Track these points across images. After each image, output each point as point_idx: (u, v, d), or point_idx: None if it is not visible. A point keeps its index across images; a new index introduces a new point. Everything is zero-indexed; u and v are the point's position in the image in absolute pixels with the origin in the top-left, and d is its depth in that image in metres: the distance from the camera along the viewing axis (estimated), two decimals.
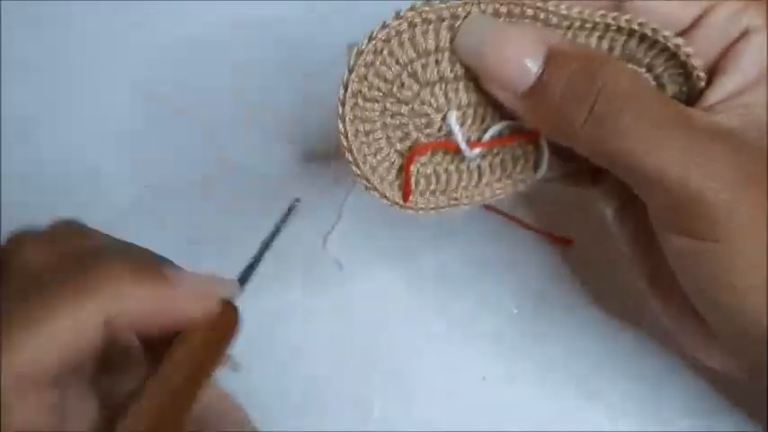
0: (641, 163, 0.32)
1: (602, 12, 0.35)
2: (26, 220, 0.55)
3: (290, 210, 0.38)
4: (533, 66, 0.33)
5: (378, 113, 0.36)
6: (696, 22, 0.35)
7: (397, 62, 0.35)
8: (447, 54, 0.35)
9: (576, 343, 0.51)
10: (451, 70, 0.36)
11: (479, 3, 0.35)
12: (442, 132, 0.37)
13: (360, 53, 0.35)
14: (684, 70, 0.36)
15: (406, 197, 0.38)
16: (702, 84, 0.36)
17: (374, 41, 0.35)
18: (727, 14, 0.35)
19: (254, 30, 0.56)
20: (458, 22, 0.35)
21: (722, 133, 0.34)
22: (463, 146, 0.36)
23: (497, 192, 0.38)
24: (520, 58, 0.33)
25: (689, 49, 0.35)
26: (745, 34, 0.35)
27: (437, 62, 0.35)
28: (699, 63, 0.36)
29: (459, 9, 0.35)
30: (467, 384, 0.51)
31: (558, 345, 0.51)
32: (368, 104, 0.36)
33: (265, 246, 0.36)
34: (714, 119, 0.35)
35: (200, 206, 0.52)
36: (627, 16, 0.35)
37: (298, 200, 0.38)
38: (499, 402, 0.50)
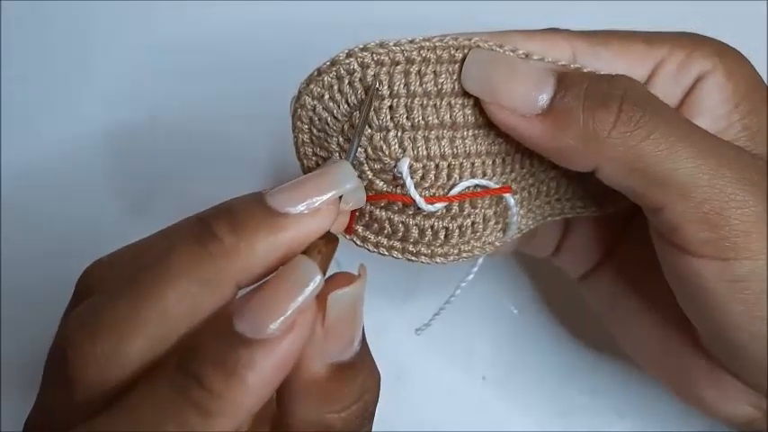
0: (674, 168, 0.32)
1: (562, 63, 0.35)
2: (26, 220, 0.55)
3: (371, 92, 0.33)
4: (547, 88, 0.33)
5: (334, 145, 0.35)
6: (648, 81, 0.37)
7: (347, 101, 0.34)
8: (403, 100, 0.34)
9: (575, 343, 0.51)
10: (408, 118, 0.34)
11: (435, 48, 0.34)
12: (400, 181, 0.34)
13: (308, 82, 0.34)
14: None
15: (347, 231, 0.36)
16: None
17: (322, 75, 0.34)
18: (674, 68, 0.36)
19: (254, 31, 0.56)
20: (413, 67, 0.34)
21: (738, 147, 0.35)
22: (416, 197, 0.34)
23: (464, 255, 0.36)
24: (533, 82, 0.33)
25: None
26: (699, 79, 0.36)
27: (391, 108, 0.34)
28: None
29: (414, 53, 0.34)
30: (467, 384, 0.51)
31: (557, 345, 0.51)
32: (321, 134, 0.35)
33: (360, 130, 0.33)
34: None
35: (202, 207, 0.52)
36: (587, 69, 0.35)
37: (375, 76, 0.34)
38: (499, 402, 0.51)
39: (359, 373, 0.30)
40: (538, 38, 0.36)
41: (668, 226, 0.34)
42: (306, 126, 0.35)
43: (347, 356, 0.30)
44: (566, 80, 0.34)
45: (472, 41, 0.35)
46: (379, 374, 0.32)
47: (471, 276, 0.38)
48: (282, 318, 0.27)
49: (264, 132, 0.54)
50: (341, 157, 0.34)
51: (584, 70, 0.35)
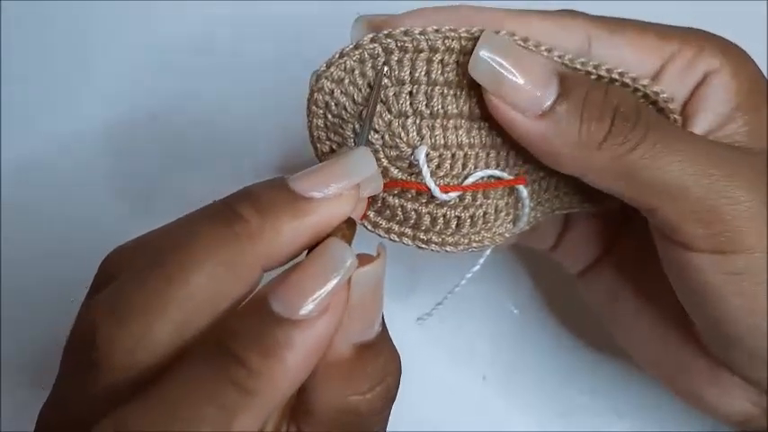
0: (661, 173, 0.33)
1: (582, 59, 0.35)
2: (26, 220, 0.55)
3: (379, 75, 0.34)
4: (551, 90, 0.34)
5: (349, 132, 0.35)
6: (657, 75, 0.37)
7: (369, 85, 0.34)
8: (423, 87, 0.34)
9: (575, 343, 0.51)
10: (427, 105, 0.34)
11: (460, 38, 0.34)
12: (415, 169, 0.34)
13: (329, 65, 0.34)
14: (662, 115, 0.37)
15: (360, 216, 0.35)
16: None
17: (344, 58, 0.34)
18: (681, 66, 0.37)
19: (254, 31, 0.56)
20: (436, 56, 0.34)
21: (729, 146, 0.35)
22: (432, 185, 0.34)
23: (474, 244, 0.36)
24: (539, 82, 0.34)
25: (666, 95, 0.36)
26: (706, 77, 0.37)
27: (411, 94, 0.34)
28: (674, 107, 0.37)
29: (439, 42, 0.34)
30: (467, 384, 0.51)
31: (557, 345, 0.51)
32: (336, 120, 0.35)
33: (371, 114, 0.34)
34: (714, 136, 0.36)
35: (204, 203, 0.52)
36: (607, 65, 0.35)
37: (384, 65, 0.34)
38: (499, 402, 0.51)
39: (381, 353, 0.31)
40: (553, 20, 0.36)
41: (665, 225, 0.34)
42: (321, 111, 0.35)
43: (369, 337, 0.30)
44: (566, 84, 0.34)
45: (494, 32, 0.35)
46: (400, 358, 0.32)
47: (477, 267, 0.38)
48: (319, 299, 0.27)
49: (265, 132, 0.54)
50: (354, 143, 0.35)
51: (590, 63, 0.35)
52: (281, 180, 0.30)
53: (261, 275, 0.29)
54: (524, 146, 0.35)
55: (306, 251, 0.30)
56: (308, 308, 0.27)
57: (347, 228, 0.30)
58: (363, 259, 0.30)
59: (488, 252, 0.37)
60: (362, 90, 0.34)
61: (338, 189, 0.30)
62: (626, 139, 0.33)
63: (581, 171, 0.34)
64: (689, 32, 0.38)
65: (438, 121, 0.34)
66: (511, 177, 0.36)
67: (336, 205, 0.30)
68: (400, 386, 0.50)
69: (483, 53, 0.33)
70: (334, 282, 0.27)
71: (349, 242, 0.30)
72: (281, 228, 0.29)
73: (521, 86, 0.33)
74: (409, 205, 0.35)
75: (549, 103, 0.33)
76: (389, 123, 0.34)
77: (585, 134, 0.33)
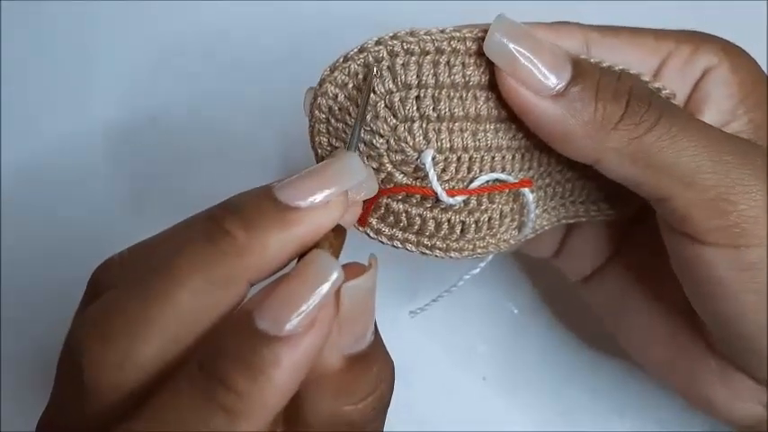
0: (677, 157, 0.33)
1: (582, 57, 0.35)
2: (26, 220, 0.55)
3: (371, 77, 0.33)
4: (565, 72, 0.33)
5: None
6: (656, 73, 0.37)
7: (373, 90, 0.33)
8: (431, 91, 0.34)
9: (575, 343, 0.51)
10: (434, 109, 0.34)
11: (465, 39, 0.34)
12: (420, 173, 0.34)
13: (333, 69, 0.34)
14: None
15: (361, 223, 0.35)
16: None
17: (349, 62, 0.33)
18: (680, 63, 0.37)
19: (254, 32, 0.56)
20: (442, 58, 0.34)
21: (738, 136, 0.35)
22: (438, 189, 0.33)
23: (478, 250, 0.36)
24: (554, 63, 0.33)
25: (668, 91, 0.36)
26: (706, 73, 0.37)
27: (418, 98, 0.33)
28: (676, 103, 0.37)
29: (444, 44, 0.34)
30: (467, 384, 0.51)
31: (557, 345, 0.51)
32: (340, 125, 0.35)
33: (361, 117, 0.33)
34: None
35: (203, 207, 0.52)
36: (607, 62, 0.35)
37: (377, 63, 0.34)
38: (499, 402, 0.51)
39: (373, 363, 0.30)
40: (550, 29, 0.37)
41: (676, 215, 0.34)
42: (324, 116, 0.35)
43: (361, 347, 0.30)
44: (579, 67, 0.34)
45: None
46: (393, 364, 0.32)
47: (477, 270, 0.38)
48: (305, 314, 0.27)
49: (265, 132, 0.54)
50: (360, 149, 0.34)
51: (590, 60, 0.35)
52: (266, 189, 0.29)
53: (248, 289, 0.29)
54: (536, 131, 0.35)
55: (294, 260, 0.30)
56: (293, 323, 0.26)
57: (335, 237, 0.30)
58: (355, 270, 0.29)
59: (491, 257, 0.37)
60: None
61: (325, 197, 0.29)
62: (642, 119, 0.33)
63: (594, 155, 0.34)
64: (685, 32, 0.38)
65: (444, 124, 0.34)
66: (516, 181, 0.35)
67: (324, 214, 0.29)
68: (400, 386, 0.50)
69: (498, 34, 0.33)
70: (319, 297, 0.27)
71: (337, 251, 0.30)
72: (267, 242, 0.28)
73: (536, 67, 0.33)
74: (413, 210, 0.35)
75: (563, 83, 0.33)
76: (395, 128, 0.33)
77: (601, 114, 0.33)
